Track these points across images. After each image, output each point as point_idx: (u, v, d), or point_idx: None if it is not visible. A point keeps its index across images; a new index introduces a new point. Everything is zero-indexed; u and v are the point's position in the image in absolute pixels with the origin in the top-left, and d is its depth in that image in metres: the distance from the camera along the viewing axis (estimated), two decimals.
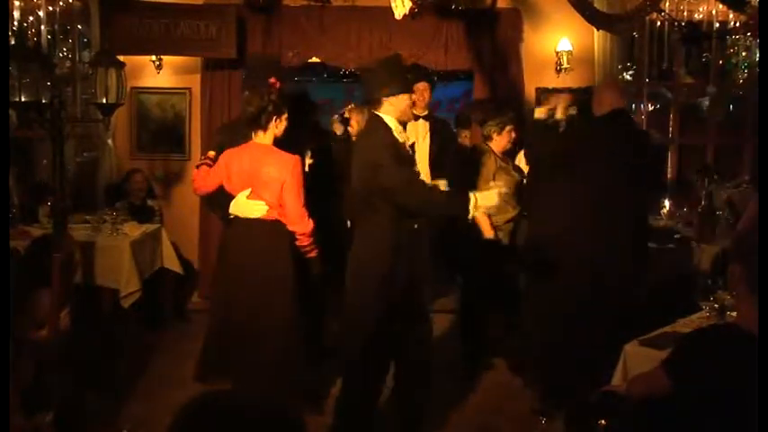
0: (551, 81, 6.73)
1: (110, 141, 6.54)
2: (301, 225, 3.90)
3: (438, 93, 6.88)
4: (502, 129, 5.08)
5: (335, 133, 5.89)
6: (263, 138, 3.88)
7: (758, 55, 5.80)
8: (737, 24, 6.12)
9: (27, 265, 3.64)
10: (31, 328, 3.32)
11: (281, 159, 3.85)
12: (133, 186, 6.28)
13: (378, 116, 3.74)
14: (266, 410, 1.35)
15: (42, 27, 5.55)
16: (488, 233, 4.84)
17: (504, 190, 3.88)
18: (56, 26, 5.89)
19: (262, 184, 3.83)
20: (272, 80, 4.04)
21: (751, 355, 2.25)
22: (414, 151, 4.11)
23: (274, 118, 3.87)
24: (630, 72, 7.09)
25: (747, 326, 2.31)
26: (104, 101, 5.66)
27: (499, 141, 5.10)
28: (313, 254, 4.01)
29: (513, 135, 5.11)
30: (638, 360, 3.14)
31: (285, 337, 3.92)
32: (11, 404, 3.00)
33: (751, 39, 6.43)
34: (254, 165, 3.84)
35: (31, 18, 5.60)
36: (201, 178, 4.00)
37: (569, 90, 6.55)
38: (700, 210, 5.77)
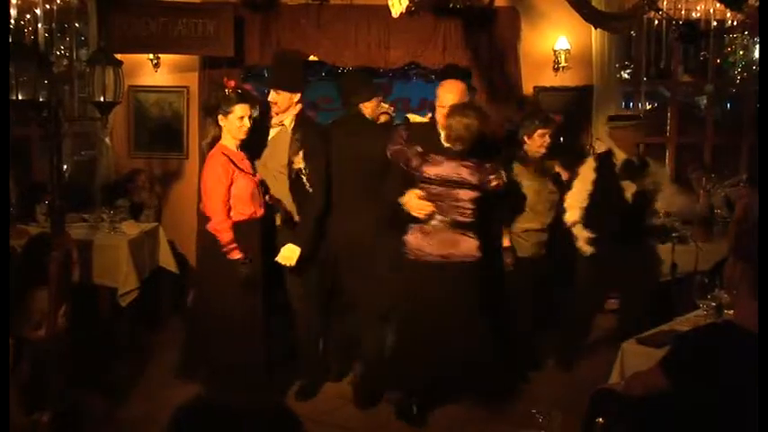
0: (549, 80, 6.73)
1: (107, 140, 6.53)
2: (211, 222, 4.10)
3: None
4: (532, 132, 4.87)
5: None
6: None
7: (758, 55, 5.80)
8: (735, 23, 6.13)
9: (24, 264, 3.63)
10: (27, 327, 3.31)
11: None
12: (137, 185, 6.30)
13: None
14: (264, 410, 1.35)
15: (39, 25, 5.52)
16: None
17: (417, 196, 4.11)
18: (53, 24, 5.87)
19: None
20: (226, 79, 4.30)
21: (748, 352, 2.25)
22: None
23: (220, 116, 4.11)
24: (628, 71, 7.10)
25: (745, 324, 2.31)
26: (102, 99, 5.64)
27: (530, 145, 4.89)
28: (232, 255, 4.05)
29: (547, 140, 4.85)
30: (635, 358, 3.15)
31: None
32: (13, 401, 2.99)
33: (748, 37, 6.44)
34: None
35: (28, 16, 5.58)
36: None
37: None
38: (697, 208, 5.78)
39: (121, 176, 6.48)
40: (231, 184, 4.06)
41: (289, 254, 4.28)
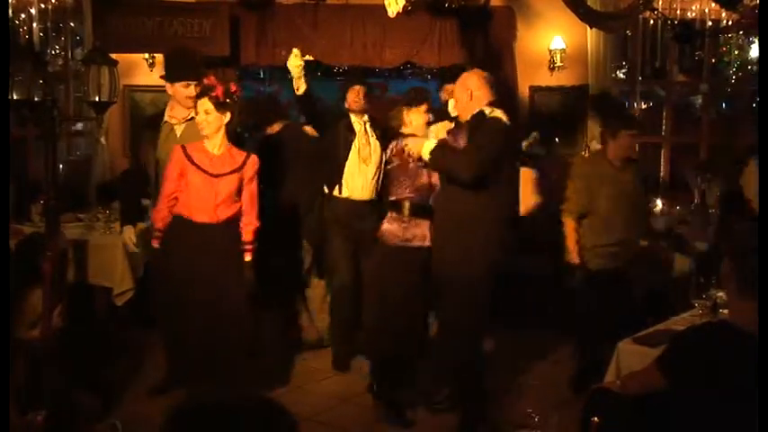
0: (545, 79, 6.74)
1: (102, 140, 6.51)
2: None
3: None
4: (616, 133, 4.60)
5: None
6: None
7: (758, 55, 5.81)
8: (730, 23, 6.14)
9: (15, 264, 3.62)
10: (22, 327, 3.30)
11: None
12: None
13: None
14: (259, 409, 1.35)
15: (34, 24, 5.53)
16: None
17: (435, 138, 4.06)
18: (48, 23, 5.86)
19: None
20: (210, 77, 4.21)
21: (744, 351, 2.26)
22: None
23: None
24: (623, 70, 7.11)
25: (740, 323, 2.32)
26: (97, 99, 5.64)
27: (614, 147, 4.60)
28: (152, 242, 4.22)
29: (634, 143, 4.61)
30: (630, 358, 3.15)
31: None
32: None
33: (743, 37, 6.45)
34: None
35: (23, 15, 5.58)
36: None
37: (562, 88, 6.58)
38: (693, 207, 5.79)
39: (117, 176, 6.46)
40: (180, 176, 4.03)
41: None
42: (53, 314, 3.35)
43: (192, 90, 4.28)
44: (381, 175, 4.82)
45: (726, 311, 3.02)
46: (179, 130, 4.43)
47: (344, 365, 5.05)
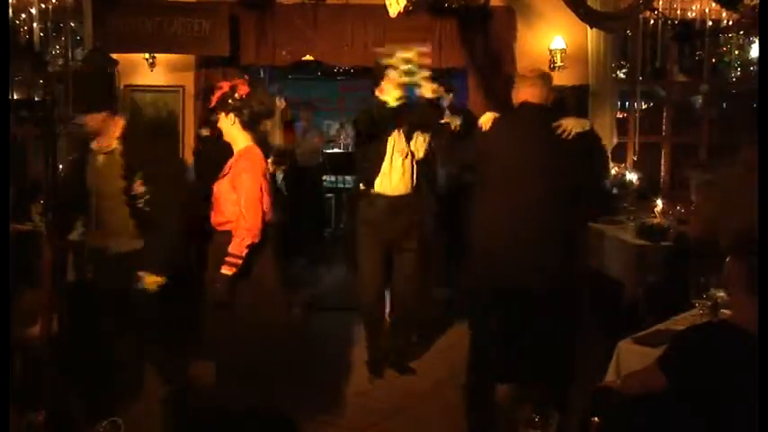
0: None
1: None
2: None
3: None
4: None
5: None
6: None
7: (758, 55, 5.80)
8: (730, 22, 6.14)
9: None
10: (18, 327, 3.29)
11: None
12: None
13: None
14: (260, 410, 1.35)
15: (35, 24, 5.51)
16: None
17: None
18: (48, 23, 5.85)
19: None
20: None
21: (745, 351, 2.26)
22: None
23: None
24: (624, 70, 7.10)
25: (742, 323, 2.32)
26: None
27: None
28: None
29: None
30: (631, 357, 3.14)
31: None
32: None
33: (744, 37, 6.45)
34: None
35: (23, 15, 5.57)
36: None
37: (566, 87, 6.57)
38: (693, 208, 5.78)
39: None
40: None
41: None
42: (51, 315, 3.35)
43: (106, 120, 3.92)
44: (417, 168, 4.77)
45: (726, 311, 3.01)
46: (100, 160, 4.00)
47: (380, 370, 4.88)
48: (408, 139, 4.75)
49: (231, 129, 3.74)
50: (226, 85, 3.77)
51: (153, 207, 3.84)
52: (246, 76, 4.27)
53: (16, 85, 5.32)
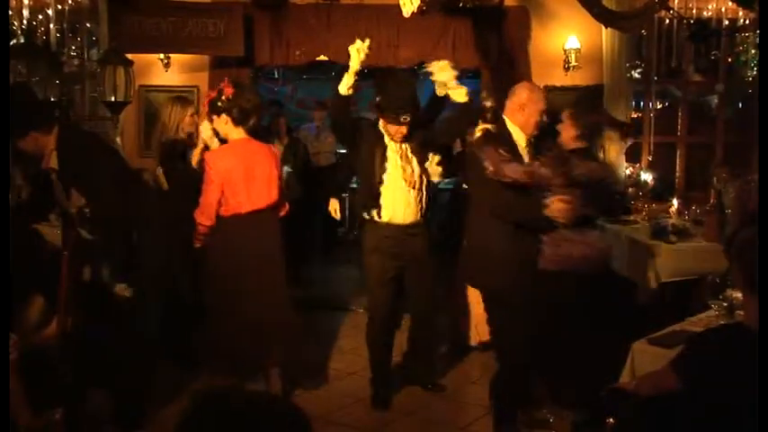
0: (560, 79, 6.72)
1: (118, 140, 6.54)
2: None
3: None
4: None
5: None
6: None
7: (759, 54, 5.76)
8: (747, 22, 6.10)
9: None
10: (27, 329, 3.29)
11: None
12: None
13: None
14: (272, 407, 1.35)
15: (51, 25, 5.55)
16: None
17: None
18: (64, 24, 5.89)
19: None
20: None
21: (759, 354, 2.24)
22: None
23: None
24: (639, 70, 7.07)
25: (751, 324, 2.30)
26: (113, 99, 5.69)
27: None
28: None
29: None
30: (645, 358, 3.13)
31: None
32: (20, 402, 3.01)
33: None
34: None
35: (39, 16, 5.61)
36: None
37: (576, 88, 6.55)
38: (708, 208, 5.75)
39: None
40: None
41: None
42: (67, 313, 3.37)
43: (39, 140, 3.70)
44: (425, 197, 4.47)
45: (742, 312, 2.99)
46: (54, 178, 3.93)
47: (386, 404, 4.56)
48: (422, 161, 4.44)
49: (225, 128, 4.21)
50: (213, 93, 4.28)
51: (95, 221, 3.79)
52: (226, 79, 4.49)
53: (33, 85, 5.36)
